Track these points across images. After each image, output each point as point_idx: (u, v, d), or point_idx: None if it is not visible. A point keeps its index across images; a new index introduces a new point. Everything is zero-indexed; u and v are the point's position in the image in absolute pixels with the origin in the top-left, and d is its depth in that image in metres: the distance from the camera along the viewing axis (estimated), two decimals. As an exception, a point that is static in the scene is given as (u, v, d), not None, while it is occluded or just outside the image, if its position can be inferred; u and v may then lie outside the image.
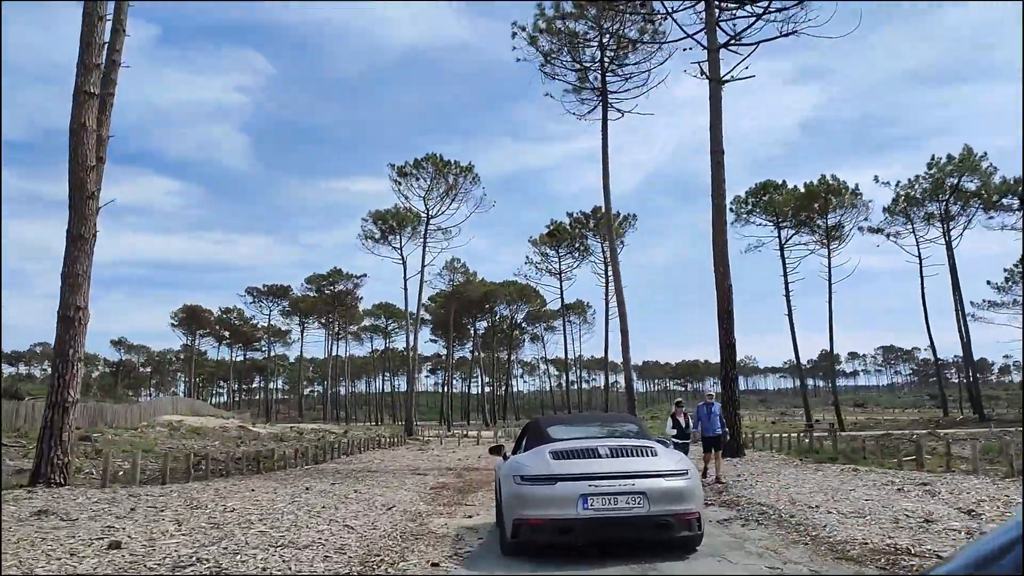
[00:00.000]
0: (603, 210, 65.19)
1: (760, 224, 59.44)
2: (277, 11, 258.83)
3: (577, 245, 68.12)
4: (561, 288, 69.59)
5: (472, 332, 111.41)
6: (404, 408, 65.24)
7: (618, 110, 37.40)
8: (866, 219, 56.78)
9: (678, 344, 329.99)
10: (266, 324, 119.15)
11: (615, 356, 60.89)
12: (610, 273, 64.15)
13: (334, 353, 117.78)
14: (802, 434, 32.70)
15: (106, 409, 46.08)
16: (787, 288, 57.64)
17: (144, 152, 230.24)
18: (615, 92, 37.45)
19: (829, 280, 55.60)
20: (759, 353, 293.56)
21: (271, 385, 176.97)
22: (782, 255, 58.37)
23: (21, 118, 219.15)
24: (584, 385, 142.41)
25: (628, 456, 7.50)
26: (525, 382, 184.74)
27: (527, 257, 71.28)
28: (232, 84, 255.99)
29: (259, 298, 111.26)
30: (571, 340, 75.86)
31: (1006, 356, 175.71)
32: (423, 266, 59.19)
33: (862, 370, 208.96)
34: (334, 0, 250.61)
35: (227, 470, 22.23)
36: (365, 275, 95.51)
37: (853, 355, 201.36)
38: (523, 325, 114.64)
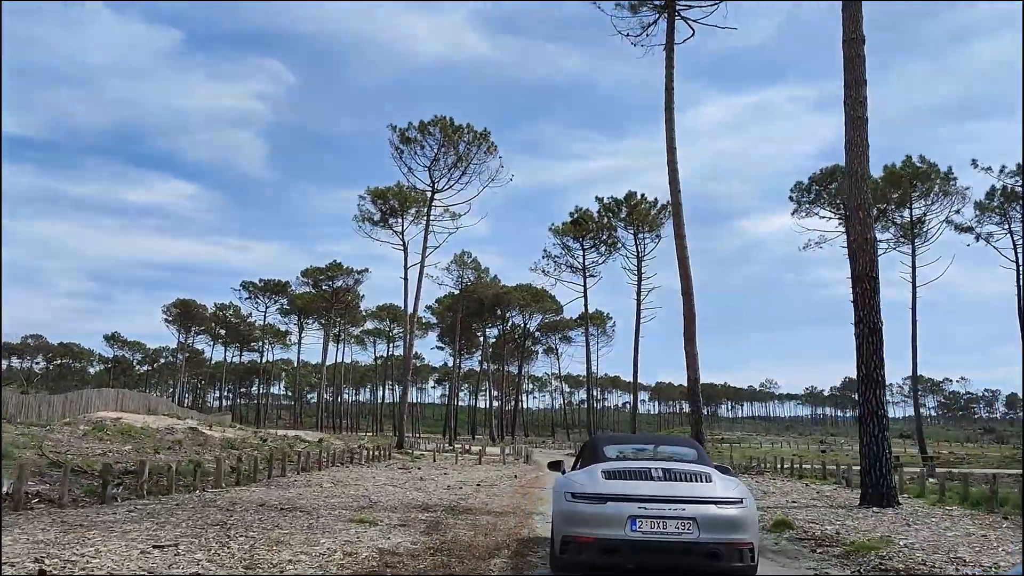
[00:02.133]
0: (639, 196, 55.99)
1: (825, 216, 49.64)
2: (300, 22, 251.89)
3: (604, 237, 58.18)
4: (585, 286, 59.63)
5: (482, 340, 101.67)
6: (397, 416, 55.34)
7: (688, 21, 27.50)
8: (958, 211, 46.57)
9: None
10: (265, 323, 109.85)
11: (639, 371, 51.23)
12: (643, 271, 54.50)
13: (336, 358, 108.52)
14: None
15: (42, 402, 37.07)
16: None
17: (162, 154, 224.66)
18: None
19: (913, 284, 45.61)
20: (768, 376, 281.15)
21: (271, 390, 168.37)
22: (850, 255, 48.35)
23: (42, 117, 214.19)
24: (595, 404, 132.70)
25: (681, 480, 7.26)
26: (535, 398, 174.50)
27: (545, 250, 61.83)
28: (253, 91, 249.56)
29: (255, 294, 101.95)
30: (591, 353, 65.83)
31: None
32: (424, 249, 49.64)
33: (889, 401, 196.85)
34: (356, 2, 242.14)
35: (60, 496, 12.81)
36: (367, 269, 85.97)
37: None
38: (536, 335, 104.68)
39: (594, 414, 64.48)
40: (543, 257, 61.09)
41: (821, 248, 50.77)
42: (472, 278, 77.86)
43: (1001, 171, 45.92)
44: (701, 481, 7.27)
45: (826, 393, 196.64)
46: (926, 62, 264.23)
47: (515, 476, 25.00)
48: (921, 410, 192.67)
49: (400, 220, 57.63)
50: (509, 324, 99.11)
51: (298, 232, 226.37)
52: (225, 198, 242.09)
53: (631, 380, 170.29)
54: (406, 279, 54.94)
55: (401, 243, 56.48)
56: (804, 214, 49.11)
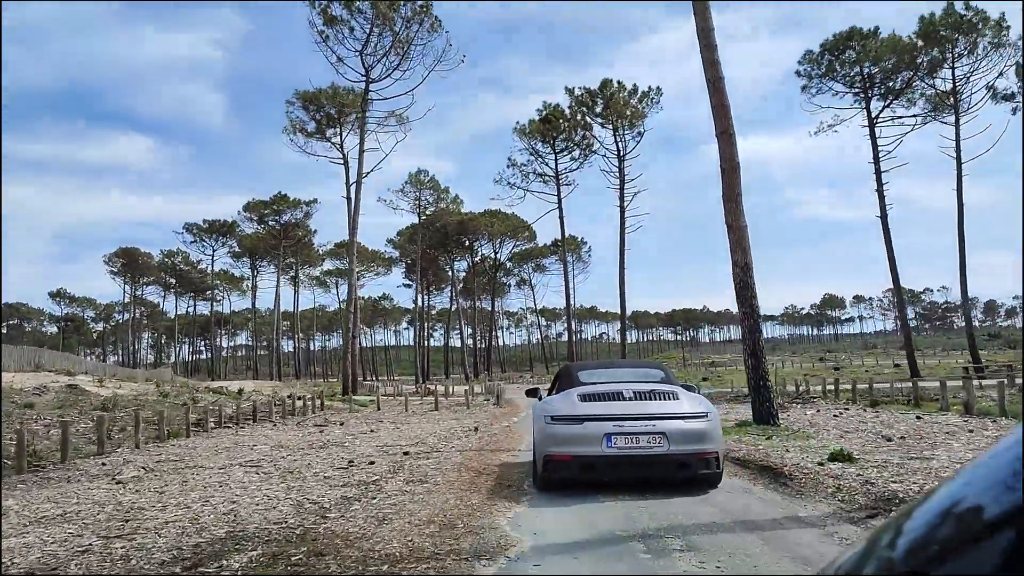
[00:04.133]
0: (615, 84, 46.54)
1: (839, 94, 40.87)
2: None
3: (578, 138, 48.97)
4: (559, 195, 50.18)
5: (451, 275, 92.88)
6: (343, 363, 46.64)
7: None
8: (1001, 74, 37.79)
9: (664, 293, 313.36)
10: (217, 269, 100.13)
11: (627, 290, 42.94)
12: (626, 173, 45.65)
13: (297, 303, 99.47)
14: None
15: None
16: (880, 184, 39.38)
17: (118, 111, 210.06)
18: None
19: (958, 159, 37.21)
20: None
21: (236, 341, 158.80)
22: (872, 136, 39.98)
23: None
24: (565, 337, 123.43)
25: (651, 399, 7.71)
26: (512, 334, 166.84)
27: (509, 159, 52.15)
28: (207, 39, 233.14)
29: (200, 237, 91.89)
30: (569, 275, 57.07)
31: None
32: (361, 154, 40.33)
33: (867, 316, 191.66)
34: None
35: None
36: (315, 200, 76.03)
37: (859, 299, 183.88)
38: (508, 265, 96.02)
39: (575, 345, 56.16)
40: (508, 166, 51.71)
41: (836, 132, 42.23)
42: (431, 200, 68.46)
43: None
44: (669, 399, 7.77)
45: (805, 311, 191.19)
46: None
47: (475, 429, 16.63)
48: (896, 324, 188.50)
49: (338, 130, 48.12)
50: (478, 256, 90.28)
51: (263, 184, 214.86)
52: (186, 153, 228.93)
53: (607, 310, 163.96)
54: (349, 199, 45.75)
55: (341, 157, 47.16)
56: (815, 91, 40.42)
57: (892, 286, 39.84)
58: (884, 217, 39.21)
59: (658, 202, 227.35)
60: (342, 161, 46.57)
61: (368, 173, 43.91)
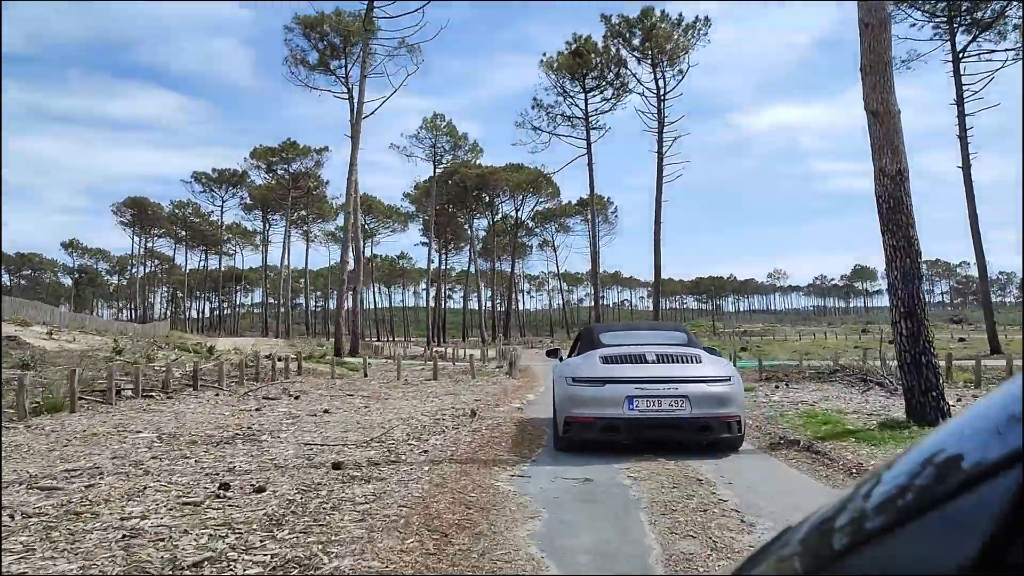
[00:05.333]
0: (657, 13, 40.27)
1: (918, 24, 34.71)
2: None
3: (611, 77, 42.99)
4: (588, 140, 44.24)
5: (469, 234, 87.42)
6: (335, 318, 41.38)
7: None
8: None
9: (687, 262, 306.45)
10: (222, 221, 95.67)
11: (662, 244, 37.19)
12: (665, 115, 39.83)
13: (310, 259, 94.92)
14: None
15: None
16: (963, 129, 33.40)
17: (146, 65, 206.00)
18: None
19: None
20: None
21: (248, 299, 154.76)
22: (956, 74, 33.86)
23: (19, 30, 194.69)
24: (587, 303, 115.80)
25: (673, 362, 7.57)
26: (533, 298, 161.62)
27: (535, 99, 45.90)
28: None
29: (210, 187, 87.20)
30: (596, 230, 51.09)
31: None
32: (363, 78, 34.97)
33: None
34: None
35: None
36: (326, 148, 70.66)
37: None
38: (530, 224, 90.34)
39: (600, 309, 50.82)
40: (533, 107, 45.77)
41: (909, 69, 36.08)
42: (448, 147, 62.73)
43: None
44: (692, 362, 7.63)
45: (835, 282, 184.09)
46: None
47: (473, 413, 11.50)
48: (929, 296, 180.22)
49: (343, 62, 42.71)
50: (499, 214, 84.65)
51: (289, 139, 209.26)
52: (213, 110, 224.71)
53: (630, 275, 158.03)
54: (354, 140, 40.54)
55: (345, 91, 41.86)
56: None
57: (974, 251, 33.92)
58: (967, 168, 33.30)
59: (683, 169, 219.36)
60: (346, 95, 41.28)
61: (376, 109, 38.72)
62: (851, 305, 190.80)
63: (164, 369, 18.30)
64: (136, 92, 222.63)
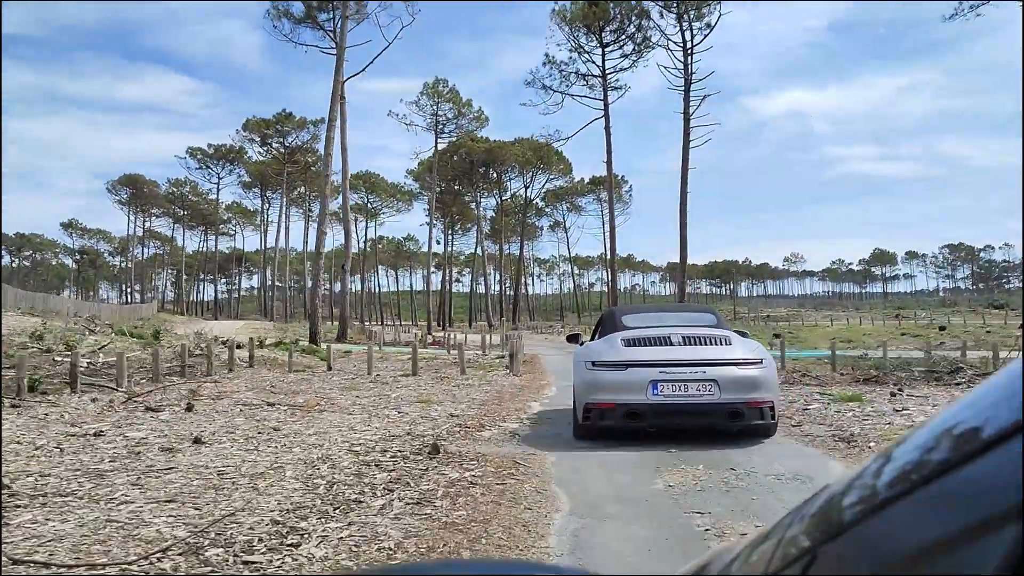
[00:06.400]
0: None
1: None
2: None
3: (632, 30, 37.80)
4: (606, 101, 38.79)
5: (477, 214, 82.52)
6: (311, 300, 36.21)
7: None
8: None
9: (702, 246, 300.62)
10: (230, 202, 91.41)
11: (688, 213, 31.92)
12: (692, 71, 34.75)
13: (306, 238, 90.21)
14: None
15: None
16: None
17: (156, 48, 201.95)
18: None
19: None
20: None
21: (249, 281, 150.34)
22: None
23: (29, 13, 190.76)
24: (598, 288, 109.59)
25: (701, 344, 7.03)
26: (542, 281, 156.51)
27: (546, 55, 40.57)
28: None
29: (206, 163, 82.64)
30: (612, 203, 45.70)
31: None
32: (345, 19, 30.13)
33: (920, 273, 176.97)
34: None
35: None
36: (323, 120, 65.66)
37: (911, 255, 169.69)
38: (540, 204, 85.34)
39: (614, 292, 45.91)
40: (544, 64, 40.49)
41: (972, 17, 30.78)
42: (451, 116, 57.67)
43: None
44: (721, 344, 7.07)
45: (855, 267, 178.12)
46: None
47: (435, 448, 6.79)
48: (947, 282, 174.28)
49: (332, 14, 37.81)
50: (507, 193, 79.65)
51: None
52: (223, 91, 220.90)
53: (643, 259, 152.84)
54: (343, 99, 35.79)
55: (334, 45, 36.98)
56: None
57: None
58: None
59: (696, 153, 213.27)
60: (334, 51, 36.41)
61: (367, 66, 33.97)
62: (866, 290, 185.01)
63: (70, 359, 13.73)
64: (146, 75, 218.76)
